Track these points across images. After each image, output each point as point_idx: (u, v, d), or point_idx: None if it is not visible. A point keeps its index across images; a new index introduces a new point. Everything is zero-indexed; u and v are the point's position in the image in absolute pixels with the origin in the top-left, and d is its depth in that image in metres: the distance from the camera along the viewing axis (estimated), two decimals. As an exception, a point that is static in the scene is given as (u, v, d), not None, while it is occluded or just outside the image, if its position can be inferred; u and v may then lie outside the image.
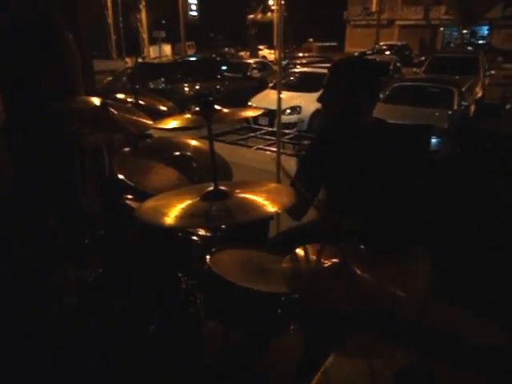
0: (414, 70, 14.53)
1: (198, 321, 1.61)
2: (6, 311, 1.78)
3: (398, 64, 13.75)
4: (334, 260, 1.31)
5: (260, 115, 8.47)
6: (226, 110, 1.49)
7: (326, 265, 1.32)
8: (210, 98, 1.36)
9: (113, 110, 1.99)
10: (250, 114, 1.99)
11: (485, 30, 34.07)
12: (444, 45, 33.86)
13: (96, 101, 2.04)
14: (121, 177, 1.76)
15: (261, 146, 7.55)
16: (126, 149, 2.07)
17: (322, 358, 1.22)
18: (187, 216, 1.29)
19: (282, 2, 2.89)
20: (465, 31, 30.43)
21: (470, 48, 24.71)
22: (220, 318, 1.48)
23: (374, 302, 1.20)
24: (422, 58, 19.03)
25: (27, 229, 2.41)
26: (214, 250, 1.60)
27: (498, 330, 1.52)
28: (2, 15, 2.22)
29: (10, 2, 2.27)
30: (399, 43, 28.04)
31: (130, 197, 1.70)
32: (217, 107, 1.42)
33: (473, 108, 8.62)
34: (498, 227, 3.73)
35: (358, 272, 1.28)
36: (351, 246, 1.33)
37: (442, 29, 35.48)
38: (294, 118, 8.79)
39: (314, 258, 1.38)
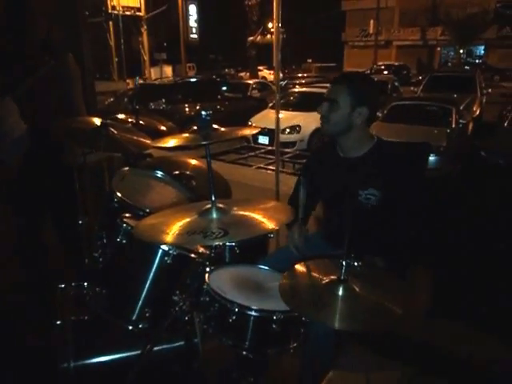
0: (412, 88, 14.63)
1: (196, 339, 1.60)
2: (4, 323, 1.77)
3: (396, 83, 13.89)
4: (332, 277, 1.32)
5: (260, 134, 8.53)
6: (223, 129, 1.52)
7: (324, 281, 1.32)
8: (208, 117, 1.38)
9: (113, 130, 2.01)
10: (247, 132, 2.01)
11: (481, 50, 34.58)
12: (441, 64, 34.27)
13: (97, 120, 2.07)
14: (119, 195, 1.77)
15: (261, 165, 7.57)
16: (126, 168, 2.09)
17: (321, 373, 1.21)
18: (185, 233, 1.30)
19: (279, 25, 2.96)
20: (461, 51, 30.93)
21: (467, 67, 24.99)
22: (218, 336, 1.47)
23: (372, 319, 1.20)
24: (420, 78, 19.21)
25: (26, 245, 2.41)
26: (212, 267, 1.60)
27: (499, 343, 1.51)
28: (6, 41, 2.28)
29: (14, 28, 2.33)
30: (397, 63, 28.38)
31: (128, 215, 1.70)
32: (214, 126, 1.44)
33: (471, 126, 8.67)
34: (497, 242, 3.72)
35: (356, 289, 1.28)
36: (349, 263, 1.33)
37: (438, 49, 36.00)
38: (293, 137, 8.84)
39: (312, 274, 1.38)
